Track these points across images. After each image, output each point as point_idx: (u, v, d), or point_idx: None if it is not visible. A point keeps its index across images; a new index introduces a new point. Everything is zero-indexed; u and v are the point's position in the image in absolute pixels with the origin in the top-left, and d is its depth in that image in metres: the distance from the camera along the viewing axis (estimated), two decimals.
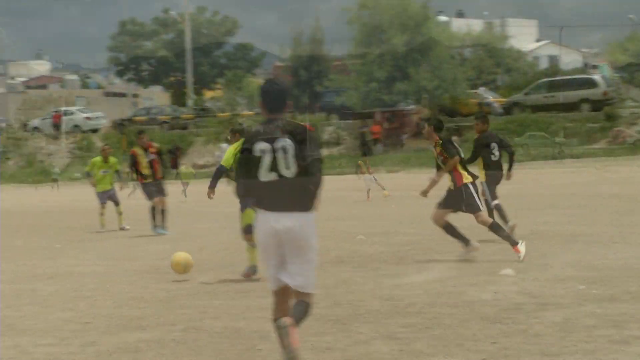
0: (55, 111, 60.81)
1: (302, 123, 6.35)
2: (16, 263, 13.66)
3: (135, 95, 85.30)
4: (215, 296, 9.81)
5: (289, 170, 6.11)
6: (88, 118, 58.50)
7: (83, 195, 26.08)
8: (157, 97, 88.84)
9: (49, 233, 18.99)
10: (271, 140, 6.11)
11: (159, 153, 18.34)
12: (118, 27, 79.40)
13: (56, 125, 58.29)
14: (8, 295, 10.47)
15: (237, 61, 77.45)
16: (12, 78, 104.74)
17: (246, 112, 48.73)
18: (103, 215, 19.34)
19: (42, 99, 73.15)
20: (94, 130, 57.91)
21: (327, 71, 63.89)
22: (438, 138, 11.85)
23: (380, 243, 14.09)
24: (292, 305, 6.23)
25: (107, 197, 19.49)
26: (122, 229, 18.98)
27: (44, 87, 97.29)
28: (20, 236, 18.37)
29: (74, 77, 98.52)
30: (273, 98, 6.25)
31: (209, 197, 11.62)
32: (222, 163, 11.26)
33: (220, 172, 11.43)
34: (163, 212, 17.91)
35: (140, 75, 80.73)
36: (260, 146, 6.12)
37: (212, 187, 11.45)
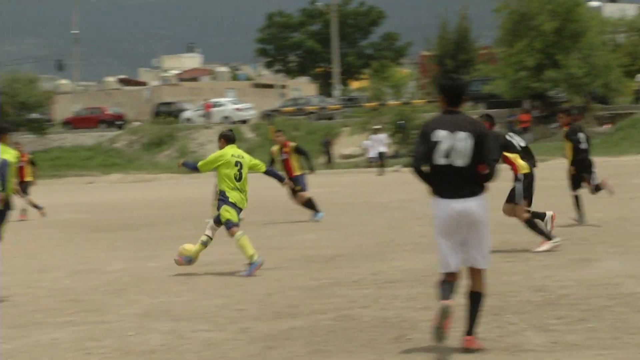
0: (205, 101, 62.45)
1: (481, 121, 6.84)
2: (173, 251, 14.13)
3: (283, 87, 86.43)
4: (363, 286, 9.85)
5: (462, 160, 6.50)
6: (238, 109, 59.74)
7: None
8: (304, 87, 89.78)
9: (202, 223, 19.53)
10: (451, 130, 6.51)
11: (297, 150, 18.72)
12: (266, 20, 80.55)
13: (207, 115, 59.85)
14: (167, 282, 10.84)
15: (383, 51, 77.41)
16: (166, 71, 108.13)
17: (392, 102, 48.57)
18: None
19: (194, 90, 75.24)
20: (244, 121, 59.07)
21: (474, 60, 63.06)
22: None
23: (530, 233, 13.81)
24: (457, 291, 6.61)
25: None
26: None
27: (195, 79, 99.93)
28: (175, 226, 18.96)
29: (224, 69, 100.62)
30: (453, 92, 6.64)
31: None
32: (199, 167, 11.76)
33: (191, 169, 12.10)
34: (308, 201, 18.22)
35: (288, 67, 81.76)
36: (440, 133, 6.52)
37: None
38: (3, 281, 11.06)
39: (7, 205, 10.17)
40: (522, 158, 12.02)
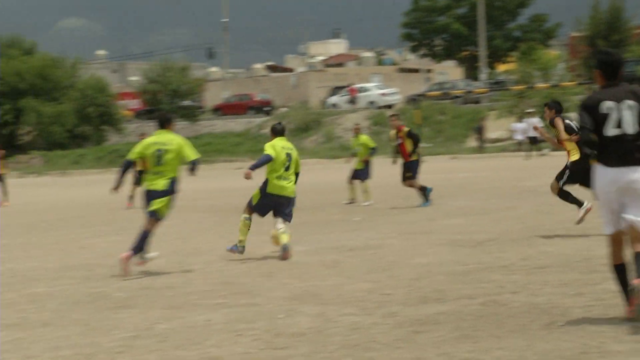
0: (350, 85, 62.72)
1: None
2: (320, 235, 14.30)
3: (428, 71, 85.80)
4: (512, 271, 9.70)
5: (633, 127, 6.78)
6: (383, 94, 59.74)
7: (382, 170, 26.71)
8: (450, 71, 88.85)
9: (348, 207, 19.69)
10: (617, 100, 6.80)
11: (409, 135, 18.74)
12: (411, 4, 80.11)
13: (353, 101, 60.12)
14: (314, 266, 10.98)
15: (531, 33, 75.71)
16: (312, 57, 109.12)
17: (540, 85, 47.45)
18: (350, 190, 20.43)
19: (339, 76, 75.68)
20: (389, 106, 58.98)
21: (628, 41, 60.83)
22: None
23: None
24: (626, 254, 6.89)
25: (355, 174, 20.28)
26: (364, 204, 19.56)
27: (341, 65, 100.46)
28: (323, 211, 19.17)
29: (370, 54, 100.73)
30: (610, 67, 6.94)
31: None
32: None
33: (264, 162, 12.12)
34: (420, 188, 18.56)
35: (434, 51, 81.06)
36: (607, 104, 6.81)
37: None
38: (159, 263, 11.47)
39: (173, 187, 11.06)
40: None
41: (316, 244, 12.98)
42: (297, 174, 12.46)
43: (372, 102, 58.99)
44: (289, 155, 11.89)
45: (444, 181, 25.47)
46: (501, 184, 23.44)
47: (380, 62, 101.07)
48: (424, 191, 18.61)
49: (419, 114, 45.35)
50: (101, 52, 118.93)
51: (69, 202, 26.66)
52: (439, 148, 46.69)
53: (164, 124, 11.30)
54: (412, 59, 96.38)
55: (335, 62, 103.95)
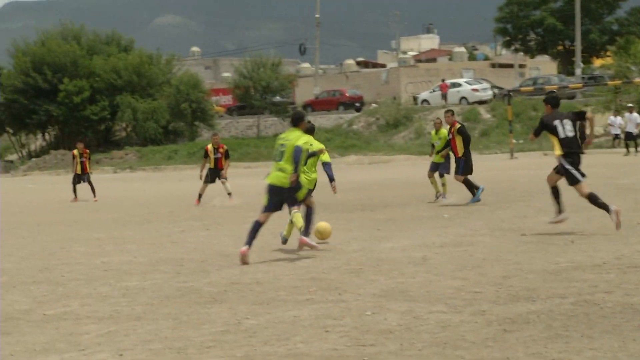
0: (443, 80, 62.30)
1: None
2: (408, 232, 14.24)
3: (521, 66, 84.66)
4: (606, 270, 9.47)
5: None
6: (475, 90, 59.16)
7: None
8: (543, 66, 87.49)
9: (436, 203, 19.57)
10: None
11: (459, 132, 18.96)
12: None
13: (444, 96, 59.71)
14: (402, 262, 10.92)
15: (629, 26, 73.94)
16: (404, 52, 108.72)
17: (638, 80, 46.25)
18: (433, 184, 20.38)
19: (431, 72, 75.19)
20: (481, 102, 58.38)
21: None
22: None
23: None
24: None
25: (434, 167, 20.34)
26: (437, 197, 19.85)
27: (433, 60, 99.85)
28: (411, 207, 19.10)
29: (462, 49, 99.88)
30: None
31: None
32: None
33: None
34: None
35: (527, 45, 79.91)
36: None
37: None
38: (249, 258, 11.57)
39: (297, 185, 11.75)
40: None
41: (404, 241, 12.92)
42: (325, 164, 13.19)
43: (463, 98, 58.46)
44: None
45: (535, 178, 25.09)
46: (595, 181, 22.91)
47: (472, 57, 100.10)
48: (472, 188, 18.67)
49: (511, 110, 44.71)
50: (195, 49, 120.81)
51: (161, 197, 27.16)
52: (531, 144, 45.99)
53: (296, 122, 11.96)
54: (505, 54, 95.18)
55: (427, 57, 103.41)
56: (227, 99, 74.13)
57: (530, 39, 79.51)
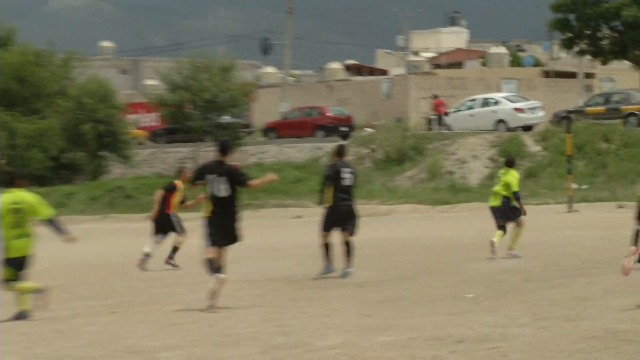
0: (435, 96, 62.91)
1: None
2: (415, 319, 14.29)
3: (589, 75, 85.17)
4: None
5: None
6: (519, 109, 59.49)
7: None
8: (621, 77, 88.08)
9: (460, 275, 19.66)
10: None
11: None
12: None
13: (440, 119, 60.69)
14: None
15: None
16: (416, 53, 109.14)
17: None
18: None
19: (455, 82, 75.63)
20: (527, 128, 58.71)
21: None
22: None
23: None
24: None
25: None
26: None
27: (458, 65, 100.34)
28: (420, 282, 19.19)
29: (501, 50, 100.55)
30: None
31: None
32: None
33: None
34: None
35: (598, 46, 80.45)
36: None
37: None
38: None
39: None
40: None
41: (406, 333, 12.95)
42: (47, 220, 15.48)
43: (501, 122, 58.80)
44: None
45: (604, 241, 25.22)
46: None
47: (516, 62, 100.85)
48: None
49: (571, 140, 44.94)
50: (107, 44, 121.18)
51: (46, 263, 26.97)
52: (600, 191, 46.24)
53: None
54: (564, 58, 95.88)
55: (450, 60, 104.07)
56: (151, 119, 74.15)
57: (602, 36, 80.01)
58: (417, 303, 16.06)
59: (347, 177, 20.29)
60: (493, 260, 22.30)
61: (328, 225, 20.28)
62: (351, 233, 20.36)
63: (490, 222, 23.97)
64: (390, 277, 19.99)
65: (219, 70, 62.81)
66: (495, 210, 23.62)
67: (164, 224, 24.05)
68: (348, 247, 20.32)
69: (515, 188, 23.45)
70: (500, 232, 23.32)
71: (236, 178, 16.42)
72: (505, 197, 23.39)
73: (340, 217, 20.22)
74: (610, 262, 20.45)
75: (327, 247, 20.43)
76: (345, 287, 18.48)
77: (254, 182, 16.75)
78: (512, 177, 23.52)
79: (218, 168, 16.47)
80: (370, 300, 16.53)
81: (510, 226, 23.57)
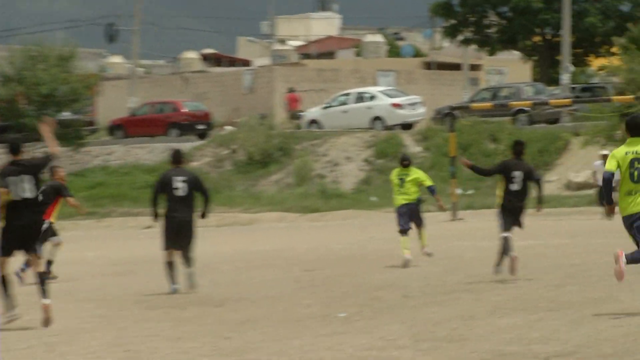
0: (290, 90, 63.30)
1: None
2: (278, 343, 14.30)
3: (475, 67, 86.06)
4: None
5: None
6: (397, 105, 59.83)
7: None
8: (511, 69, 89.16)
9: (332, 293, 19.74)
10: None
11: None
12: None
13: (294, 115, 61.06)
14: None
15: None
16: (282, 42, 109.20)
17: None
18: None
19: (325, 74, 75.83)
20: (407, 126, 59.14)
21: None
22: None
23: None
24: None
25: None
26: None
27: (330, 55, 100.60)
28: (285, 300, 19.24)
29: (378, 38, 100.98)
30: None
31: None
32: None
33: None
34: None
35: (485, 34, 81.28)
36: None
37: None
38: None
39: None
40: None
41: (273, 357, 12.97)
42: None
43: (377, 119, 59.08)
44: None
45: (490, 252, 25.56)
46: (585, 259, 23.63)
47: (394, 52, 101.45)
48: None
49: (455, 139, 45.33)
50: None
51: None
52: (488, 197, 46.66)
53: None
54: (448, 48, 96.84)
55: (320, 50, 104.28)
56: None
57: (489, 23, 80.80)
58: (283, 324, 16.05)
59: (180, 186, 20.49)
60: (369, 275, 22.45)
61: (166, 242, 20.70)
62: (186, 252, 20.69)
63: (363, 231, 24.15)
64: (253, 294, 19.96)
65: (57, 59, 62.10)
66: (402, 211, 24.89)
67: None
68: (185, 261, 20.61)
69: (430, 182, 25.22)
70: (405, 240, 24.43)
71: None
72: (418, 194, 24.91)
73: (175, 232, 20.54)
74: (502, 275, 20.74)
75: (170, 265, 20.68)
76: (201, 307, 18.42)
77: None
78: (419, 173, 25.29)
79: (17, 168, 16.46)
80: (229, 321, 16.49)
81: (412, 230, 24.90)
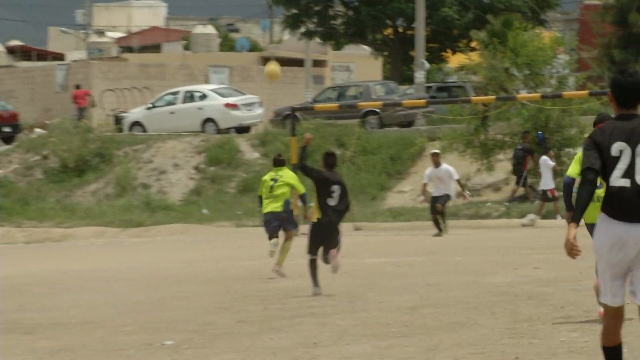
0: (77, 87, 63.39)
1: None
2: None
3: (318, 63, 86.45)
4: None
5: None
6: (231, 106, 59.88)
7: None
8: (360, 65, 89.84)
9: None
10: (631, 141, 9.84)
11: None
12: None
13: (81, 113, 60.90)
14: None
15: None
16: (100, 33, 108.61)
17: (523, 95, 48.19)
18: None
19: (148, 69, 75.68)
20: (243, 129, 59.23)
21: None
22: None
23: None
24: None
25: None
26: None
27: (155, 48, 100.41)
28: (102, 326, 19.19)
29: (209, 30, 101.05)
30: (627, 90, 9.94)
31: None
32: None
33: None
34: None
35: (330, 26, 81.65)
36: (619, 146, 9.82)
37: None
38: None
39: None
40: None
41: None
42: None
43: (209, 121, 59.07)
44: None
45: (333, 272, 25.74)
46: (443, 278, 23.88)
47: (228, 45, 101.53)
48: None
49: (297, 144, 45.47)
50: None
51: None
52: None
53: None
54: (288, 42, 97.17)
55: (144, 42, 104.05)
56: None
57: (334, 14, 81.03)
58: (102, 353, 16.01)
59: None
60: (200, 297, 22.48)
61: None
62: None
63: (193, 248, 24.14)
64: (68, 320, 19.82)
65: None
66: (272, 218, 25.54)
67: None
68: None
69: (303, 189, 25.64)
70: (275, 242, 25.49)
71: None
72: (287, 201, 25.59)
73: None
74: (346, 297, 20.93)
75: None
76: (8, 334, 18.24)
77: None
78: (292, 177, 25.97)
79: None
80: (40, 350, 16.38)
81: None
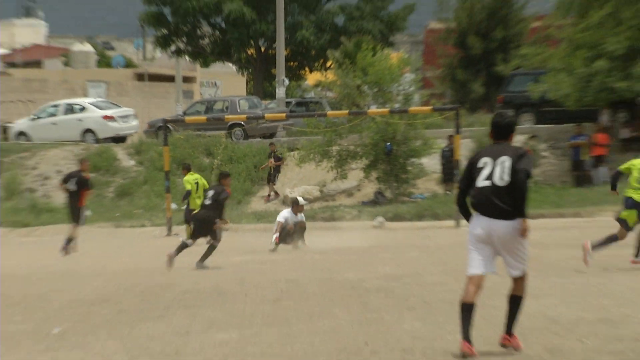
0: None
1: (522, 148, 12.34)
2: None
3: (188, 79, 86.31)
4: None
5: (502, 180, 12.81)
6: (109, 117, 59.72)
7: None
8: (227, 81, 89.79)
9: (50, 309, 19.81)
10: (494, 156, 12.98)
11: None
12: None
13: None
14: None
15: (362, 21, 77.33)
16: None
17: (373, 110, 48.56)
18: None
19: (32, 84, 75.09)
20: (119, 139, 59.13)
21: (520, 39, 63.57)
22: None
23: None
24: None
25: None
26: None
27: (37, 64, 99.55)
28: None
29: (87, 48, 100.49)
30: (501, 129, 13.29)
31: None
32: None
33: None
34: None
35: (198, 45, 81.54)
36: (484, 160, 13.03)
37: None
38: None
39: None
40: None
41: None
42: None
43: (89, 132, 58.95)
44: None
45: (211, 265, 25.88)
46: (301, 274, 24.22)
47: (105, 62, 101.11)
48: None
49: (168, 154, 45.53)
50: None
51: None
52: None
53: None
54: (161, 59, 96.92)
55: (26, 58, 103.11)
56: None
57: (202, 34, 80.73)
58: None
59: None
60: (83, 290, 22.56)
61: None
62: None
63: (78, 247, 24.02)
64: None
65: None
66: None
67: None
68: None
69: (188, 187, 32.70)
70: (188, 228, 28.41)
71: None
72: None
73: None
74: (215, 291, 21.22)
75: None
76: None
77: None
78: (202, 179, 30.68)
79: None
80: None
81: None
